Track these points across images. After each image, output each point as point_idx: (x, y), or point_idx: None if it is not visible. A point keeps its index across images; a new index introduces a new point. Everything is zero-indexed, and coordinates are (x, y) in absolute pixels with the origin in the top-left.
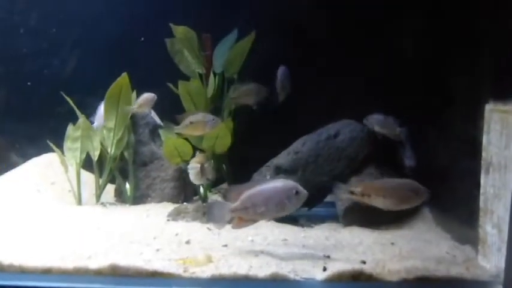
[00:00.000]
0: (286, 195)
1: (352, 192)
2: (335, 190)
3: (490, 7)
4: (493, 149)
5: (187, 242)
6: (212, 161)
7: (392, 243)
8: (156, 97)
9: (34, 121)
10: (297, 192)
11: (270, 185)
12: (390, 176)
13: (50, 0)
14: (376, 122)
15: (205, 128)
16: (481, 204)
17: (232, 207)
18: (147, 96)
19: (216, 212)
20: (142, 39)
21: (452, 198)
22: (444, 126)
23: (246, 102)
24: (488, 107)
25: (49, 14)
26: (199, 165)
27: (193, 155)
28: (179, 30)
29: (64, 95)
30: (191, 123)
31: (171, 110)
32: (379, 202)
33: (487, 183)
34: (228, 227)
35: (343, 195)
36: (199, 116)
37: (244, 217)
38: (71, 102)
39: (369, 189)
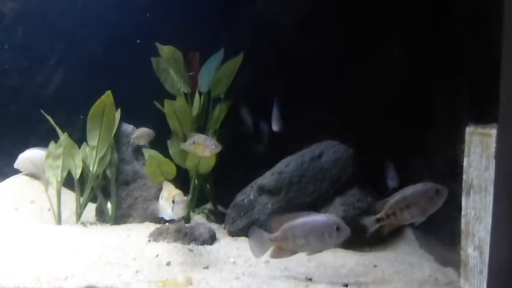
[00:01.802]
0: (327, 230)
1: (378, 220)
2: (367, 224)
3: (470, 34)
4: (473, 171)
5: (168, 264)
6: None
7: (375, 266)
8: (154, 134)
9: (14, 138)
10: (338, 228)
11: (312, 218)
12: (373, 198)
13: (34, 17)
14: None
15: (205, 151)
16: (463, 226)
17: (272, 236)
18: (146, 131)
19: (256, 240)
20: (139, 41)
21: (435, 220)
22: (426, 149)
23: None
24: (469, 130)
25: (33, 31)
26: (183, 199)
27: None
28: (165, 50)
29: (44, 113)
30: (194, 143)
31: (156, 128)
32: (406, 216)
33: (468, 205)
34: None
35: (373, 228)
36: (201, 138)
37: (284, 247)
38: (51, 120)
39: (389, 208)
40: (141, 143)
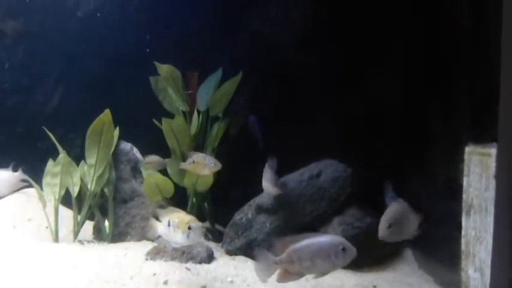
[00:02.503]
0: (333, 251)
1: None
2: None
3: (470, 54)
4: (473, 191)
5: (165, 283)
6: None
7: (374, 286)
8: (165, 163)
9: (14, 156)
10: (343, 249)
11: (316, 239)
12: (372, 217)
13: (35, 36)
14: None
15: (205, 170)
16: (463, 247)
17: (277, 259)
18: (158, 159)
19: (261, 263)
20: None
21: (435, 241)
22: (425, 168)
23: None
24: (468, 150)
25: (33, 50)
26: (200, 225)
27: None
28: (164, 69)
29: (46, 130)
30: (194, 162)
31: (154, 146)
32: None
33: (468, 225)
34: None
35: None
36: (201, 157)
37: (290, 270)
38: (52, 137)
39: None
40: (150, 170)
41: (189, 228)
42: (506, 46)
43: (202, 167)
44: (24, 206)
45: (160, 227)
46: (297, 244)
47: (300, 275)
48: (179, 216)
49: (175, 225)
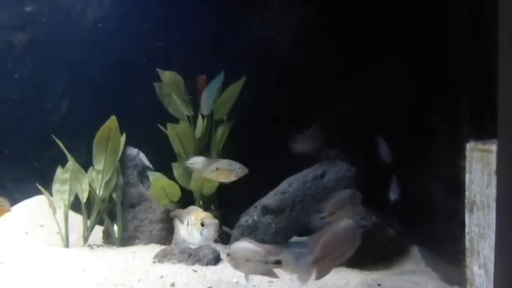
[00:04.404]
0: (353, 234)
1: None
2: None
3: (469, 51)
4: (475, 188)
5: (172, 285)
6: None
7: (379, 284)
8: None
9: (23, 164)
10: (357, 228)
11: (337, 228)
12: (377, 216)
13: (42, 47)
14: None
15: (231, 176)
16: (467, 244)
17: (313, 257)
18: (200, 159)
19: (296, 268)
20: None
21: (440, 238)
22: (428, 165)
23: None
24: (469, 146)
25: (41, 60)
26: (215, 221)
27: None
28: (166, 75)
29: (55, 138)
30: (217, 169)
31: (160, 151)
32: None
33: (472, 222)
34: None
35: None
36: (225, 164)
37: (323, 265)
38: (61, 145)
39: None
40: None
41: (202, 225)
42: (503, 43)
43: (228, 173)
44: (37, 212)
45: (182, 231)
46: (325, 237)
47: (331, 267)
48: (195, 213)
49: (192, 224)
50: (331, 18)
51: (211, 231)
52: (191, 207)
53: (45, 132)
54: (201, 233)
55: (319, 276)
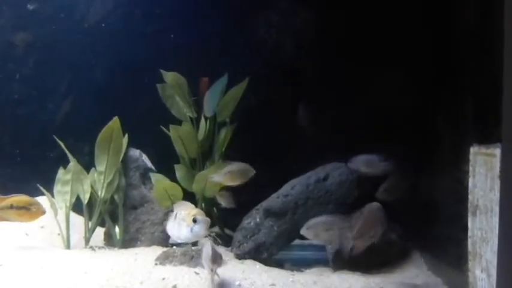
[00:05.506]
0: (381, 214)
1: None
2: None
3: (473, 56)
4: (478, 192)
5: (174, 287)
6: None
7: None
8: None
9: (24, 165)
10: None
11: (367, 209)
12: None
13: (44, 47)
14: (361, 163)
15: (243, 178)
16: (470, 247)
17: (354, 234)
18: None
19: (341, 241)
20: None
21: (442, 242)
22: (431, 169)
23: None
24: (473, 150)
25: (42, 60)
26: (206, 219)
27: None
28: (169, 77)
29: (57, 139)
30: (229, 172)
31: (162, 153)
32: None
33: (474, 226)
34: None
35: None
36: (235, 166)
37: (361, 243)
38: (63, 146)
39: None
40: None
41: (194, 221)
42: (509, 47)
43: (240, 175)
44: None
45: (169, 224)
46: (361, 218)
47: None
48: (186, 208)
49: (181, 218)
50: (335, 20)
51: (202, 228)
52: (182, 202)
53: (47, 133)
54: (191, 229)
55: (357, 251)
